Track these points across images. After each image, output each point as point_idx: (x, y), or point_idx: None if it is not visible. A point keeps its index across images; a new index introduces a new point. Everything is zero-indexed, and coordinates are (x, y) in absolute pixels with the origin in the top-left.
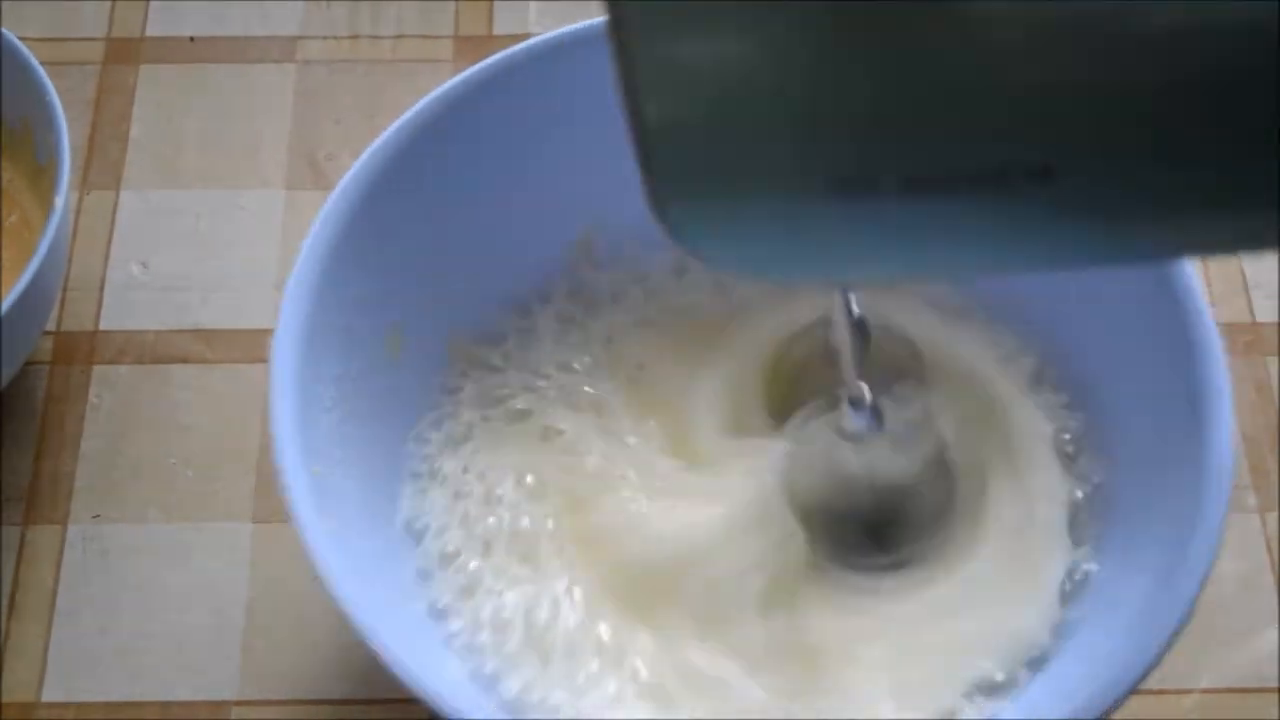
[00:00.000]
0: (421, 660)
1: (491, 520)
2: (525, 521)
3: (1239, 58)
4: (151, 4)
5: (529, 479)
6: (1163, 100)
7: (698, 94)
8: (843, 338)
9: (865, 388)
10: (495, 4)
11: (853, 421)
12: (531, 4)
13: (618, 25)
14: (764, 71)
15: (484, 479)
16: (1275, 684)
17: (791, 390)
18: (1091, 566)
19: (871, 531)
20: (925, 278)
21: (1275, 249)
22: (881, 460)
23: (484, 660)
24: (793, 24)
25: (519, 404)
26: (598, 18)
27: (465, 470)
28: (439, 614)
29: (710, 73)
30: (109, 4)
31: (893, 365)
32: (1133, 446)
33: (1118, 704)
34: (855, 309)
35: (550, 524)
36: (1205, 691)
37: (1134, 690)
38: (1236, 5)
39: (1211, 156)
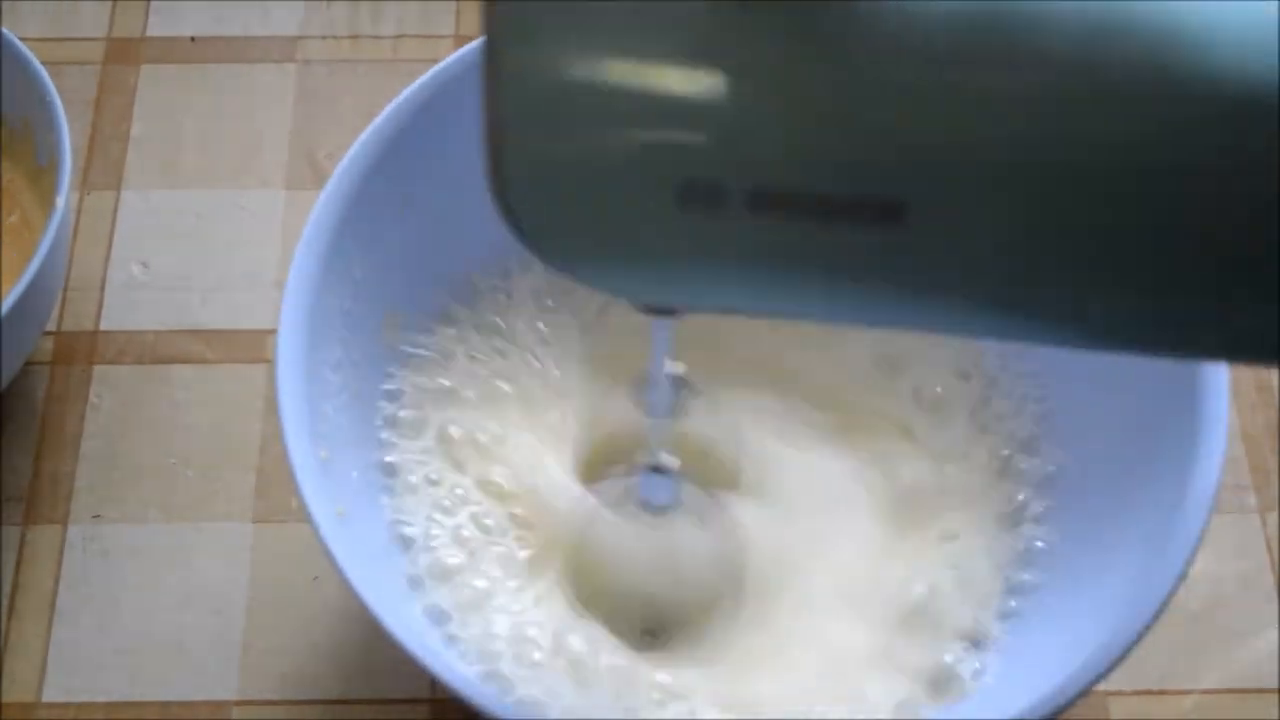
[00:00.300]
0: (431, 650)
1: (452, 505)
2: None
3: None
4: (152, 4)
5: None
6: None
7: (556, 89)
8: (656, 398)
9: (670, 456)
10: None
11: (650, 489)
12: None
13: (490, 25)
14: (624, 70)
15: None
16: (1275, 684)
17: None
18: (1040, 543)
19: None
20: (771, 312)
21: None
22: (682, 535)
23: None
24: (663, 23)
25: (445, 381)
26: None
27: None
28: (439, 616)
29: (569, 69)
30: (109, 4)
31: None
32: (1105, 430)
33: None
34: (672, 367)
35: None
36: (1205, 692)
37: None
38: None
39: (1071, 229)
